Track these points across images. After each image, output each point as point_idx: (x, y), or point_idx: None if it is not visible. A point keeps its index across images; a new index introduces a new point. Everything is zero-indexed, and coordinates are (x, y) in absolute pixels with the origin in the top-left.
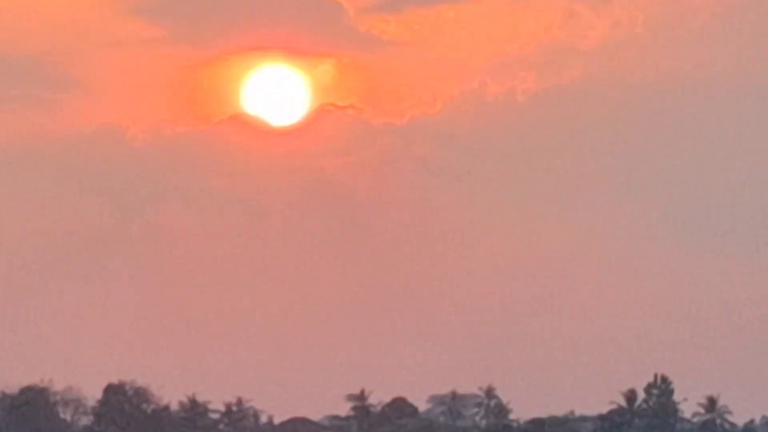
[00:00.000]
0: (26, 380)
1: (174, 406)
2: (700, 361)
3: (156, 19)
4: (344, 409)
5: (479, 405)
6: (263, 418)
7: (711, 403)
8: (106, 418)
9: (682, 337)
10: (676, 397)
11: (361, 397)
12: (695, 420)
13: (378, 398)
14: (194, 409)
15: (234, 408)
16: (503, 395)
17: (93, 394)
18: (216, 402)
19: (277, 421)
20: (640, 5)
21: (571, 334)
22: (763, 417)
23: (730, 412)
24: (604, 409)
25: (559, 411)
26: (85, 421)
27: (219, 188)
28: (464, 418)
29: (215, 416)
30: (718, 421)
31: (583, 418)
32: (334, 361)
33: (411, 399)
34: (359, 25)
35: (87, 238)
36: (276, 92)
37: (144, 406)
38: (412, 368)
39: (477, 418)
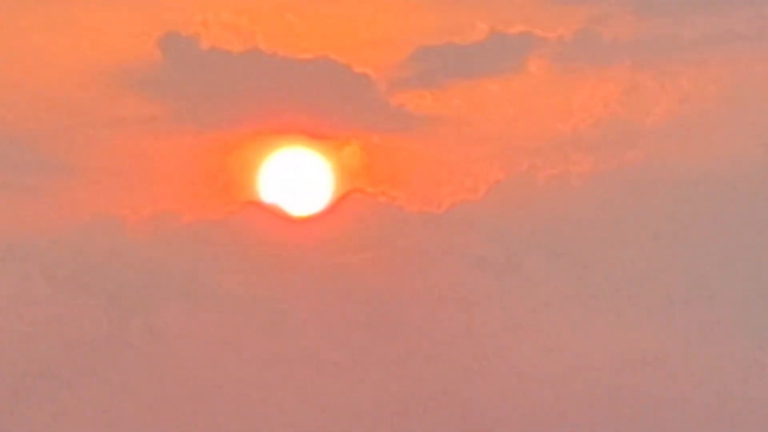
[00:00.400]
0: None
1: None
2: None
3: (158, 95)
4: None
5: None
6: None
7: None
8: None
9: None
10: None
11: None
12: None
13: None
14: None
15: None
16: None
17: None
18: None
19: None
20: (712, 77)
21: None
22: None
23: None
24: None
25: None
26: None
27: (232, 287)
28: None
29: None
30: None
31: None
32: None
33: None
34: (391, 101)
35: (80, 345)
36: (296, 177)
37: None
38: None
39: None
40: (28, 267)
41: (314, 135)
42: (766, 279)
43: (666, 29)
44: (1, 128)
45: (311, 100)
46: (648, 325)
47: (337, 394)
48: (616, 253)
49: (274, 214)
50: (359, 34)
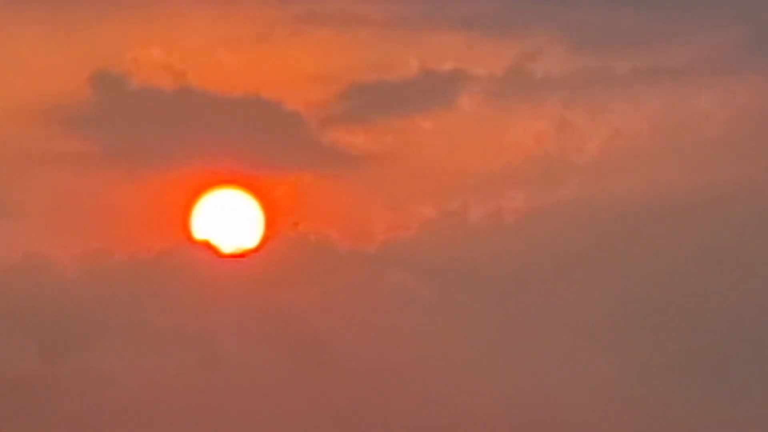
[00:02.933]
0: None
1: None
2: None
3: (89, 133)
4: None
5: None
6: None
7: None
8: None
9: None
10: None
11: None
12: None
13: None
14: None
15: None
16: None
17: None
18: None
19: None
20: (643, 113)
21: None
22: None
23: None
24: None
25: None
26: None
27: (163, 326)
28: None
29: None
30: None
31: None
32: None
33: None
34: (322, 138)
35: (10, 385)
36: (228, 215)
37: None
38: None
39: None
40: None
41: (246, 173)
42: (701, 312)
43: (598, 64)
44: None
45: (242, 138)
46: (582, 362)
47: (269, 431)
48: (549, 290)
49: (206, 252)
50: (290, 72)
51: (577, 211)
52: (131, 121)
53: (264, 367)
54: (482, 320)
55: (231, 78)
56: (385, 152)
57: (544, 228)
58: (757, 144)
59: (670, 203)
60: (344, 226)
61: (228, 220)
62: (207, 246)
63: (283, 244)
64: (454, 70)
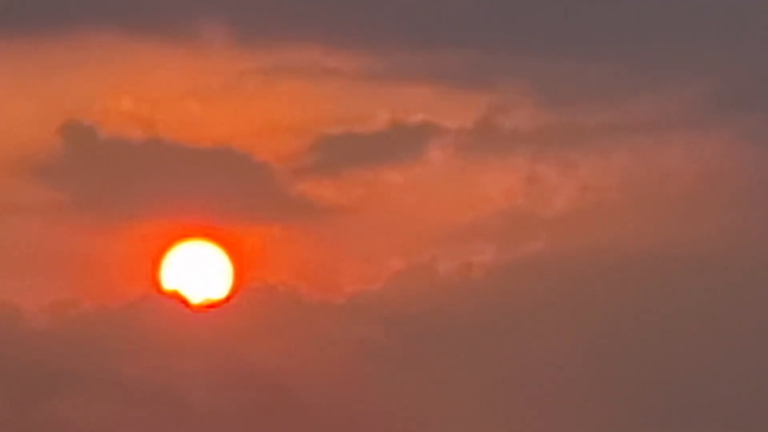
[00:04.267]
0: None
1: None
2: None
3: (58, 183)
4: None
5: None
6: None
7: None
8: None
9: None
10: None
11: None
12: None
13: None
14: None
15: None
16: None
17: None
18: None
19: None
20: (612, 167)
21: None
22: None
23: None
24: None
25: None
26: None
27: (131, 375)
28: None
29: None
30: None
31: None
32: None
33: None
34: (291, 190)
35: None
36: (195, 267)
37: None
38: None
39: None
40: None
41: (214, 225)
42: (669, 368)
43: (567, 118)
44: None
45: (211, 188)
46: (553, 416)
47: None
48: (518, 343)
49: (175, 303)
50: (259, 123)
51: (547, 265)
52: (101, 171)
53: (232, 418)
54: (451, 373)
55: (200, 128)
56: (354, 204)
57: (513, 281)
58: (725, 199)
59: (639, 257)
60: (313, 278)
61: (197, 271)
62: (176, 297)
63: (251, 295)
64: (423, 122)
